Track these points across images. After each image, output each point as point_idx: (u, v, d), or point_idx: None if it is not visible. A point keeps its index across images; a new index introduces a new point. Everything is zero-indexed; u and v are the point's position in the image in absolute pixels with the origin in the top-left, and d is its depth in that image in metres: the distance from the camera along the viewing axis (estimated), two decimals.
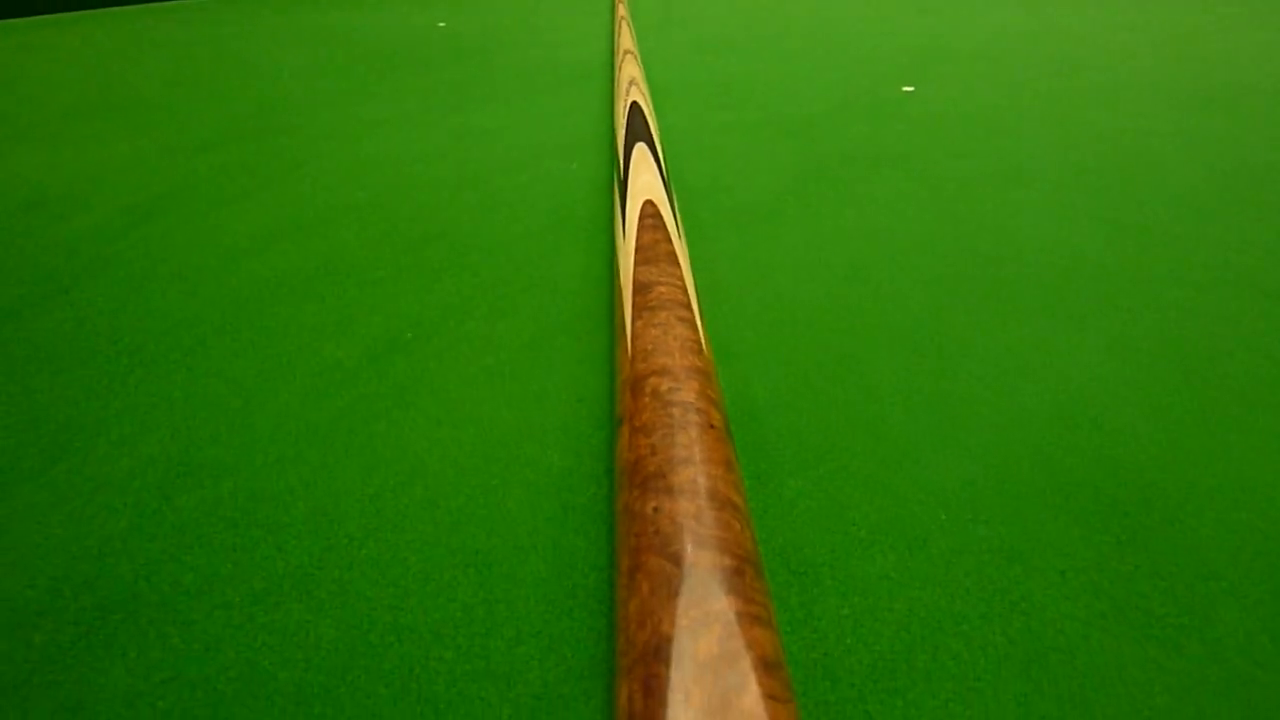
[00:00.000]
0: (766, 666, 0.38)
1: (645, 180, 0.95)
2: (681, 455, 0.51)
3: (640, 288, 0.72)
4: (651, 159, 1.03)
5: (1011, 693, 0.46)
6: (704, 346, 0.65)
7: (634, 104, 1.23)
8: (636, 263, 0.77)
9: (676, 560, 0.44)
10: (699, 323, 0.68)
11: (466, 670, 0.48)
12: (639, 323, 0.67)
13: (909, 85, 1.58)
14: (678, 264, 0.77)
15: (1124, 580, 0.53)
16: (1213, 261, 0.93)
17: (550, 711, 0.45)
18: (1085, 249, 0.97)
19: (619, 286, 0.76)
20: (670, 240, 0.81)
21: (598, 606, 0.52)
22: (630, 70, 1.49)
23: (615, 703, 0.40)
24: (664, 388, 0.58)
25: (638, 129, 1.12)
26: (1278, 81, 1.70)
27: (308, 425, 0.68)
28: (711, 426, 0.55)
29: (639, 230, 0.83)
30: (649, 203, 0.89)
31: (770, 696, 0.37)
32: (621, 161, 1.04)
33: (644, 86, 1.39)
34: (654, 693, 0.37)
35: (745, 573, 0.44)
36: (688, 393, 0.58)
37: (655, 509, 0.47)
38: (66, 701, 0.46)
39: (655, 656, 0.39)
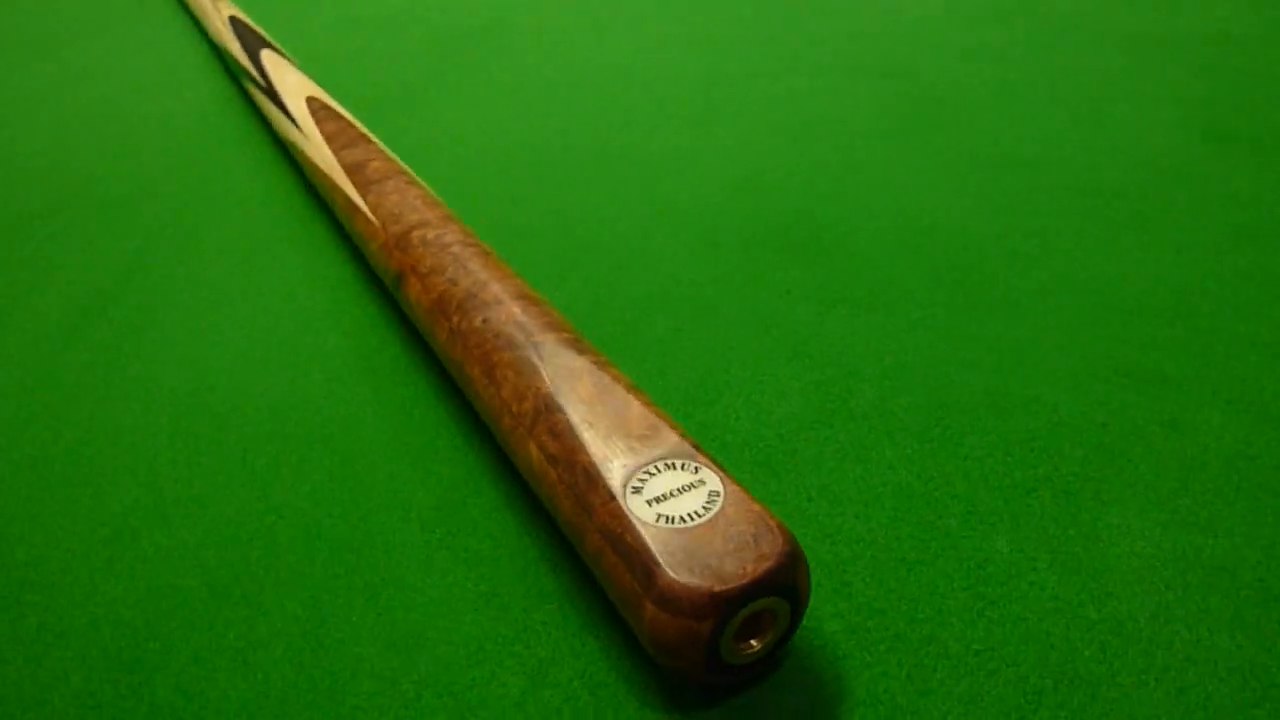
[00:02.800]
0: (635, 390, 0.48)
1: (294, 80, 0.94)
2: (480, 279, 0.57)
3: (353, 169, 0.74)
4: (286, 61, 1.01)
5: (736, 337, 0.60)
6: (439, 201, 0.70)
7: (232, 18, 1.17)
8: (335, 150, 0.78)
9: (525, 347, 0.51)
10: (424, 183, 0.73)
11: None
12: (371, 197, 0.70)
13: None
14: (374, 141, 0.80)
15: (815, 282, 0.69)
16: (824, 54, 1.14)
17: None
18: (721, 69, 1.12)
19: (326, 178, 0.77)
20: (355, 125, 0.83)
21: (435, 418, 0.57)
22: None
23: (529, 463, 0.47)
24: (430, 235, 0.63)
25: (252, 40, 1.08)
26: None
27: (38, 376, 0.63)
28: (488, 253, 0.61)
29: (317, 123, 0.83)
30: (312, 99, 0.89)
31: (649, 405, 0.46)
32: (255, 71, 1.00)
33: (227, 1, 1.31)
34: (562, 433, 0.45)
35: (583, 340, 0.52)
36: (453, 234, 0.63)
37: (484, 320, 0.54)
38: None
39: (548, 409, 0.46)
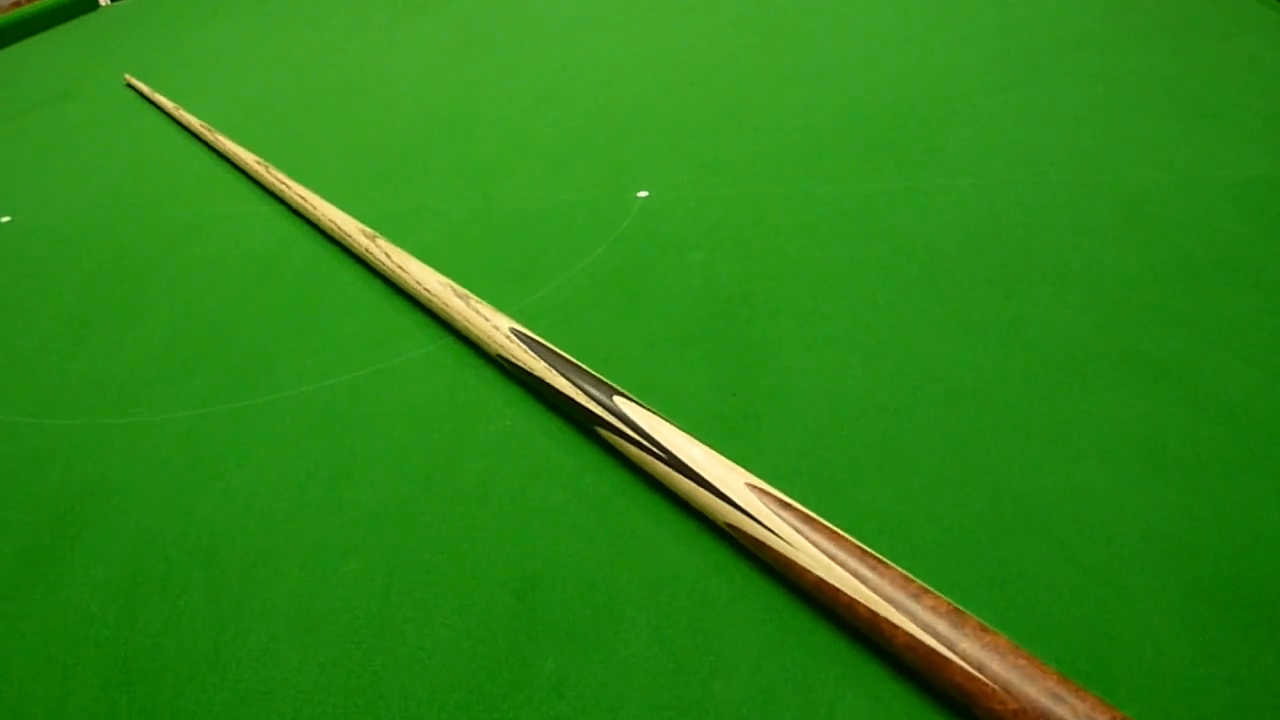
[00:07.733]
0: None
1: (703, 454, 0.97)
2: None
3: (901, 604, 0.81)
4: (654, 414, 1.02)
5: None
6: (1028, 653, 0.77)
7: (517, 332, 1.17)
8: (851, 572, 0.84)
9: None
10: (974, 614, 0.81)
11: None
12: (962, 646, 0.77)
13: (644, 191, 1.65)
14: (876, 555, 0.86)
15: None
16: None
17: None
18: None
19: (863, 606, 0.80)
20: (843, 533, 0.89)
21: None
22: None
23: None
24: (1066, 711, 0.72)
25: (589, 380, 1.09)
26: None
27: None
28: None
29: (799, 531, 0.89)
30: (754, 486, 0.93)
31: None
32: (628, 429, 1.02)
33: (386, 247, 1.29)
34: None
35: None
36: (1098, 710, 0.73)
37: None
38: None
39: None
